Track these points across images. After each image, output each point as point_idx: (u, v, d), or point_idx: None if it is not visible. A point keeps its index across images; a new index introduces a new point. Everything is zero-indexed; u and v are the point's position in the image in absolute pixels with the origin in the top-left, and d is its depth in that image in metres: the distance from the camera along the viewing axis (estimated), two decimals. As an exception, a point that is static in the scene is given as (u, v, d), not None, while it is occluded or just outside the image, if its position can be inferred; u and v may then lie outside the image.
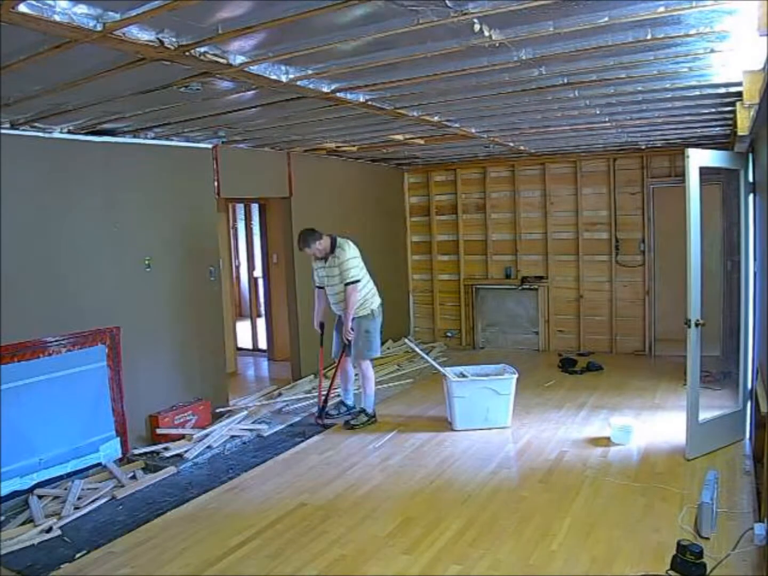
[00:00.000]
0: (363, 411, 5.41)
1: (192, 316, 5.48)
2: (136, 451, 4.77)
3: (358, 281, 5.19)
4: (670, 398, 5.77)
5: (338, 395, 5.73)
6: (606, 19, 2.43)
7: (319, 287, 5.48)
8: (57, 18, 2.09)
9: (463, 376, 5.39)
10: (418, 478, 4.28)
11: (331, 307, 5.44)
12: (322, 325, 5.63)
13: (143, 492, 4.19)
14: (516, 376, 5.22)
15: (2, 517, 3.79)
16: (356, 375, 5.68)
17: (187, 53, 2.57)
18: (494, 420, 5.14)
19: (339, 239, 5.27)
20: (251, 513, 3.85)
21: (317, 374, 6.78)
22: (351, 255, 5.20)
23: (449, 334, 8.60)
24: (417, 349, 5.68)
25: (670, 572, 2.93)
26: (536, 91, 3.75)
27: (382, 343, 8.00)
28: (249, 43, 2.63)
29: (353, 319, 5.25)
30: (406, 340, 6.06)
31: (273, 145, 5.98)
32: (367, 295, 5.33)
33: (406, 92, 3.71)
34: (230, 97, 3.59)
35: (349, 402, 5.64)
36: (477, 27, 2.47)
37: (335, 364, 5.60)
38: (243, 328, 8.86)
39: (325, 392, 5.56)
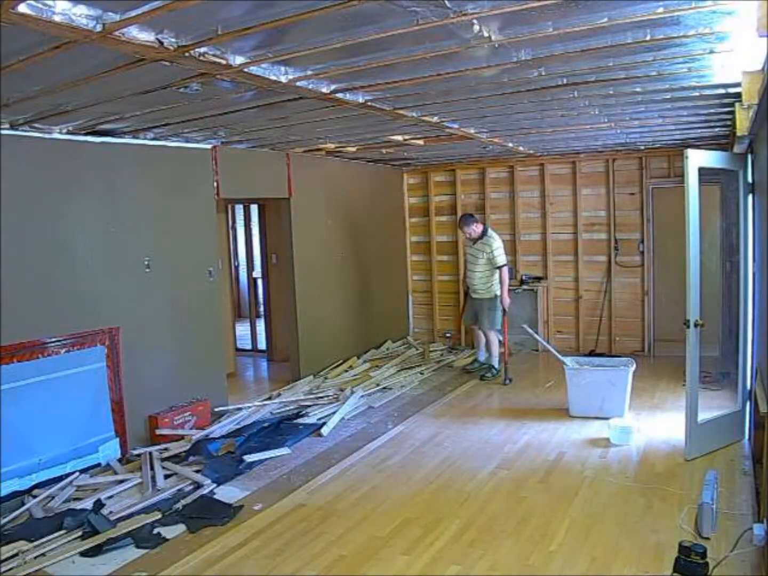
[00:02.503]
0: (492, 366, 6.82)
1: (191, 317, 5.48)
2: (136, 452, 4.76)
3: (505, 266, 6.56)
4: (669, 398, 5.77)
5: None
6: (605, 19, 2.43)
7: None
8: (56, 18, 2.08)
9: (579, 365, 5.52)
10: (418, 478, 4.28)
11: (468, 282, 6.82)
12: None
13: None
14: (633, 368, 5.22)
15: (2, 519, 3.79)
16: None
17: (186, 54, 2.56)
18: (609, 410, 5.11)
19: (489, 229, 6.71)
20: (250, 513, 3.85)
21: (316, 375, 6.81)
22: (499, 245, 6.57)
23: (448, 335, 8.60)
24: (536, 336, 6.18)
25: (675, 575, 2.91)
26: (535, 92, 3.75)
27: (382, 344, 8.10)
28: (248, 44, 2.63)
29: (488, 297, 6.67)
30: (525, 326, 6.33)
31: (272, 145, 5.98)
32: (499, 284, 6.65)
33: (406, 93, 3.71)
34: (230, 97, 3.59)
35: (481, 358, 7.02)
36: (476, 28, 2.47)
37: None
38: (242, 329, 8.87)
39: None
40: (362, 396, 6.07)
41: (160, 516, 3.74)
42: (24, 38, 2.29)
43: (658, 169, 7.33)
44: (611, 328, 7.69)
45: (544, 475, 4.25)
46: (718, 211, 6.69)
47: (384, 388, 6.41)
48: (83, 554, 3.39)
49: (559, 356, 5.58)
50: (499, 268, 6.52)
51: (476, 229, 6.61)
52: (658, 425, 5.07)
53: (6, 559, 3.27)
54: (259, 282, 8.77)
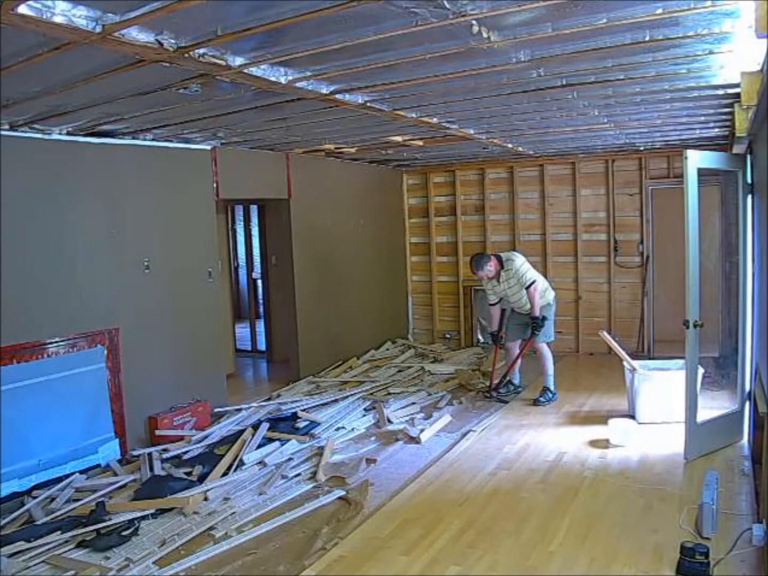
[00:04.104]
0: (547, 389, 5.92)
1: (191, 318, 5.48)
2: (135, 453, 4.76)
3: (534, 281, 5.73)
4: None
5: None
6: (604, 20, 2.44)
7: (493, 304, 6.06)
8: (57, 19, 2.09)
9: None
10: (418, 478, 4.28)
11: (514, 311, 6.05)
12: (497, 335, 6.15)
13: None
14: (702, 371, 5.02)
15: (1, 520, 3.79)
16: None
17: (186, 55, 2.57)
18: (678, 414, 4.80)
19: (503, 255, 5.88)
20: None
21: (316, 375, 6.81)
22: (520, 263, 5.76)
23: (448, 336, 8.60)
24: (611, 342, 5.76)
25: None
26: (535, 93, 3.75)
27: (381, 345, 8.10)
28: (248, 45, 2.64)
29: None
30: (602, 332, 5.92)
31: (272, 146, 5.99)
32: (544, 292, 5.91)
33: (405, 94, 3.72)
34: (229, 98, 3.59)
35: (516, 381, 6.22)
36: (475, 28, 2.47)
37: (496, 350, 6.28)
38: (242, 330, 8.87)
39: (499, 375, 6.16)
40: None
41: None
42: (23, 39, 2.30)
43: (657, 170, 7.33)
44: (611, 329, 7.68)
45: (543, 475, 4.25)
46: (717, 212, 6.69)
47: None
48: (80, 544, 3.46)
49: (629, 360, 5.37)
50: (528, 287, 5.67)
51: (492, 266, 5.72)
52: (657, 426, 5.07)
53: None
54: (259, 283, 8.77)
